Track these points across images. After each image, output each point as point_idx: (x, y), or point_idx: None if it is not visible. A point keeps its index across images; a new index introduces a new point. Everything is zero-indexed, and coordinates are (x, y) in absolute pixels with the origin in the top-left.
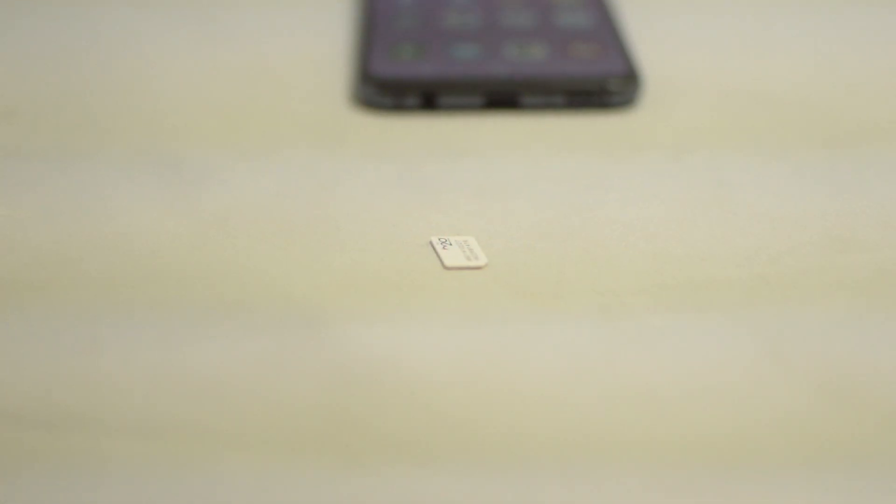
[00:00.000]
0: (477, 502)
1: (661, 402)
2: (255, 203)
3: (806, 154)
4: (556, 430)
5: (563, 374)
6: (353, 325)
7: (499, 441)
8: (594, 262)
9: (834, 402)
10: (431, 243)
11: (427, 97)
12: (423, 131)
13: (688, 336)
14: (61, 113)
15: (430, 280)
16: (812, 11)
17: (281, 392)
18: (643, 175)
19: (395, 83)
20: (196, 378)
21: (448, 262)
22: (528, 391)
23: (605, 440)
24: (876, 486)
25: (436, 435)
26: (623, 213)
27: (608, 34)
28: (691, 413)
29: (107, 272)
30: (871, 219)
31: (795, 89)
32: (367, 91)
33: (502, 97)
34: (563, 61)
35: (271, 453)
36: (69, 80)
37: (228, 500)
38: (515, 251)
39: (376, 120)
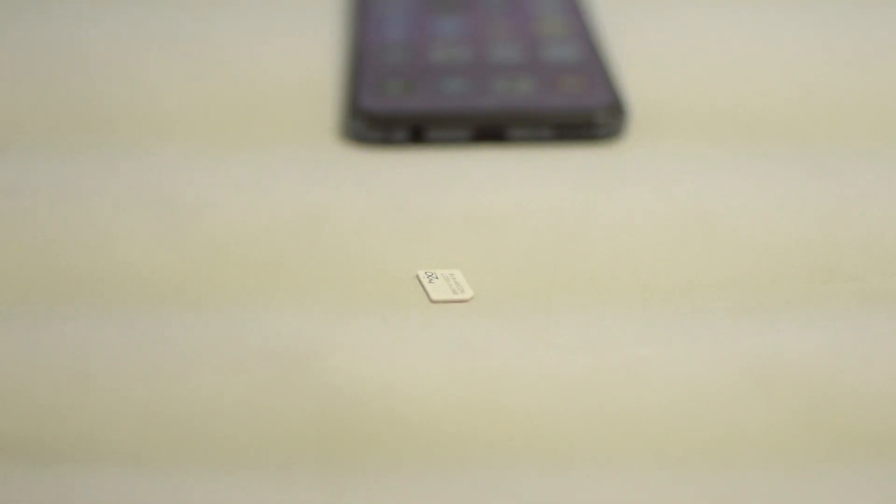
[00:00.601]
0: None
1: (648, 431)
2: (244, 236)
3: (791, 184)
4: (545, 459)
5: (550, 404)
6: (341, 358)
7: (488, 471)
8: (580, 293)
9: (819, 429)
10: (418, 277)
11: (416, 131)
12: (412, 165)
13: (674, 366)
14: (55, 141)
15: (417, 313)
16: (797, 39)
17: (271, 424)
18: (629, 206)
19: (384, 117)
20: (186, 409)
21: (434, 296)
22: (516, 422)
23: (592, 469)
24: None
25: (424, 466)
26: (609, 244)
27: (595, 67)
28: (678, 441)
29: (98, 303)
30: (856, 247)
31: (780, 120)
32: (357, 125)
33: (490, 131)
34: (551, 95)
35: (261, 483)
36: (60, 115)
37: None
38: (502, 284)
39: (365, 154)
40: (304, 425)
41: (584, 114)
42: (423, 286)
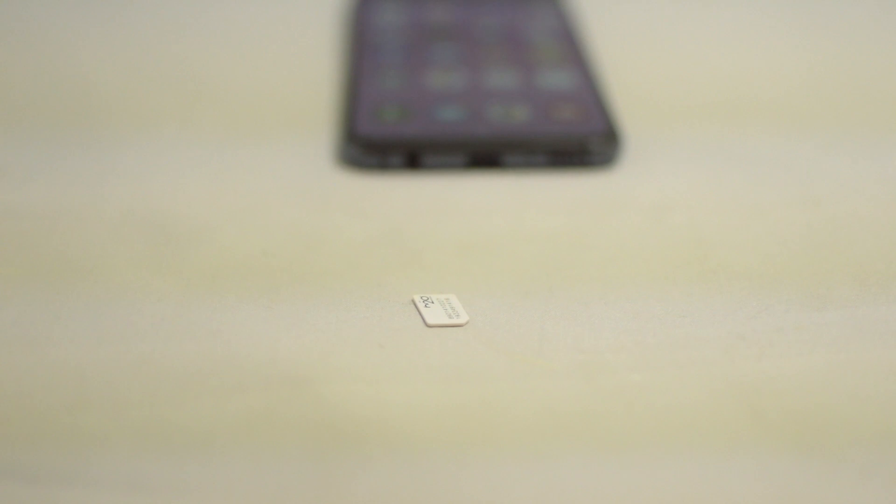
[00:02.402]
0: None
1: (641, 459)
2: (241, 261)
3: (782, 212)
4: (538, 485)
5: (544, 430)
6: (337, 383)
7: (482, 498)
8: (575, 319)
9: (811, 457)
10: (413, 302)
11: (411, 157)
12: (407, 190)
13: (666, 393)
14: (52, 176)
15: (413, 338)
16: (788, 72)
17: (266, 449)
18: (623, 233)
19: (380, 143)
20: (181, 434)
21: (430, 321)
22: (510, 447)
23: (585, 496)
24: None
25: (420, 490)
26: (603, 270)
27: (589, 94)
28: (670, 469)
29: (94, 332)
30: (847, 276)
31: (773, 149)
32: (353, 151)
33: (485, 157)
34: (545, 121)
35: None
36: (57, 137)
37: None
38: (497, 309)
39: (361, 179)
40: (301, 449)
41: (578, 141)
42: (418, 311)
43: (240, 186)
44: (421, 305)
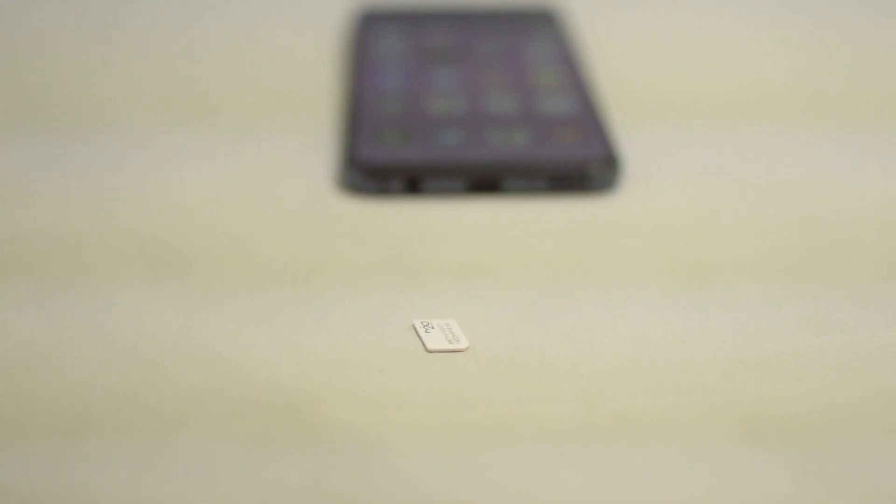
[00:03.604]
0: None
1: (641, 482)
2: (242, 286)
3: (782, 237)
4: None
5: (544, 455)
6: (337, 407)
7: None
8: (574, 345)
9: (811, 482)
10: (414, 327)
11: (412, 182)
12: (408, 215)
13: (666, 417)
14: (53, 203)
15: (413, 363)
16: (791, 99)
17: (267, 473)
18: (623, 258)
19: (380, 168)
20: (184, 458)
21: (430, 346)
22: (511, 472)
23: None
24: None
25: None
26: (603, 296)
27: (589, 119)
28: (672, 494)
29: (96, 358)
30: (845, 301)
31: (772, 173)
32: (353, 175)
33: (485, 181)
34: (545, 146)
35: None
36: (61, 171)
37: None
38: (497, 334)
39: (361, 204)
40: (301, 472)
41: (578, 165)
42: (419, 336)
43: (241, 211)
44: (421, 330)
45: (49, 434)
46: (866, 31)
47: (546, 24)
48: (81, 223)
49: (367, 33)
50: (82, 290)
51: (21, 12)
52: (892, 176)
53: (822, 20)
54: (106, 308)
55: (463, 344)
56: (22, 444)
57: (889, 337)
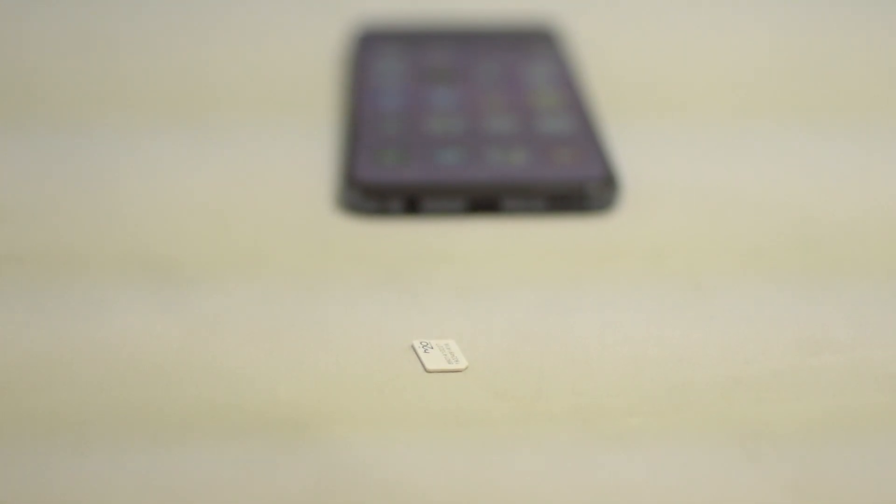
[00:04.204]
0: None
1: (640, 500)
2: (242, 306)
3: (781, 258)
4: None
5: (543, 475)
6: (337, 429)
7: None
8: (573, 364)
9: (809, 501)
10: (413, 347)
11: (410, 202)
12: (407, 235)
13: (664, 437)
14: (53, 219)
15: (412, 383)
16: (787, 117)
17: (267, 495)
18: (621, 278)
19: (380, 188)
20: (183, 481)
21: (429, 366)
22: (510, 491)
23: None
24: None
25: None
26: (601, 315)
27: (588, 139)
28: None
29: (96, 374)
30: (843, 320)
31: (771, 193)
32: (352, 196)
33: (484, 202)
34: (544, 166)
35: None
36: (61, 187)
37: None
38: (496, 354)
39: (361, 224)
40: (300, 494)
41: (577, 186)
42: (418, 356)
43: (241, 229)
44: (420, 351)
45: (48, 450)
46: (865, 50)
47: (545, 44)
48: (84, 239)
49: (366, 53)
50: (82, 307)
51: (23, 13)
52: (889, 190)
53: (817, 34)
54: (106, 324)
55: (462, 364)
56: (21, 459)
57: (887, 356)
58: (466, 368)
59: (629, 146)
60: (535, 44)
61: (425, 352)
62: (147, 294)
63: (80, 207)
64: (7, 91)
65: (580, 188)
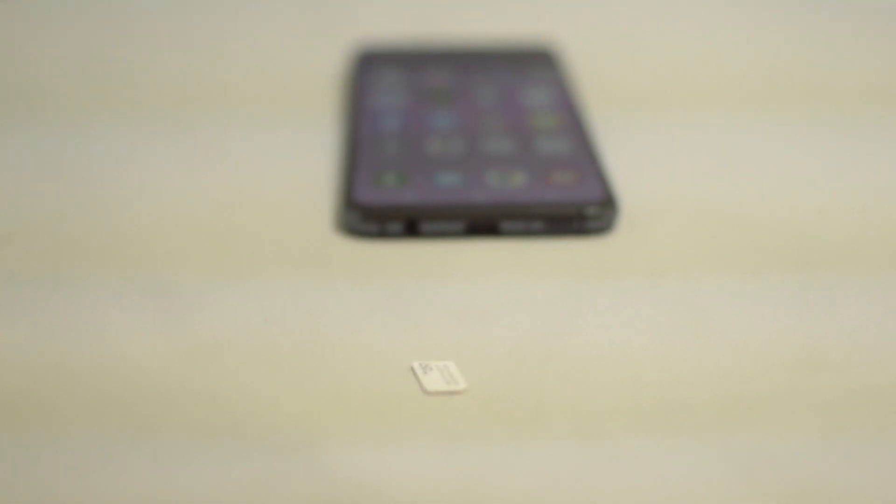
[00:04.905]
0: None
1: None
2: (243, 328)
3: (778, 277)
4: None
5: (542, 496)
6: (337, 450)
7: None
8: (572, 385)
9: None
10: (412, 368)
11: (410, 224)
12: (406, 257)
13: (662, 456)
14: (53, 239)
15: (412, 404)
16: (784, 136)
17: None
18: (620, 299)
19: (379, 211)
20: (186, 500)
21: (428, 387)
22: None
23: None
24: None
25: None
26: (600, 336)
27: (586, 161)
28: None
29: (98, 396)
30: (840, 340)
31: (768, 213)
32: (352, 218)
33: (483, 224)
34: (542, 188)
35: None
36: (60, 207)
37: None
38: (494, 375)
39: (360, 246)
40: None
41: (575, 208)
42: (417, 377)
43: (242, 253)
44: (419, 372)
45: (47, 471)
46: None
47: (544, 65)
48: (84, 259)
49: (365, 74)
50: (81, 325)
51: (24, 14)
52: (887, 210)
53: (815, 55)
54: (111, 348)
55: (461, 385)
56: (21, 481)
57: (883, 376)
58: (465, 390)
59: (627, 168)
60: (534, 64)
61: (424, 373)
62: (147, 313)
63: (80, 228)
64: (7, 91)
65: (579, 210)
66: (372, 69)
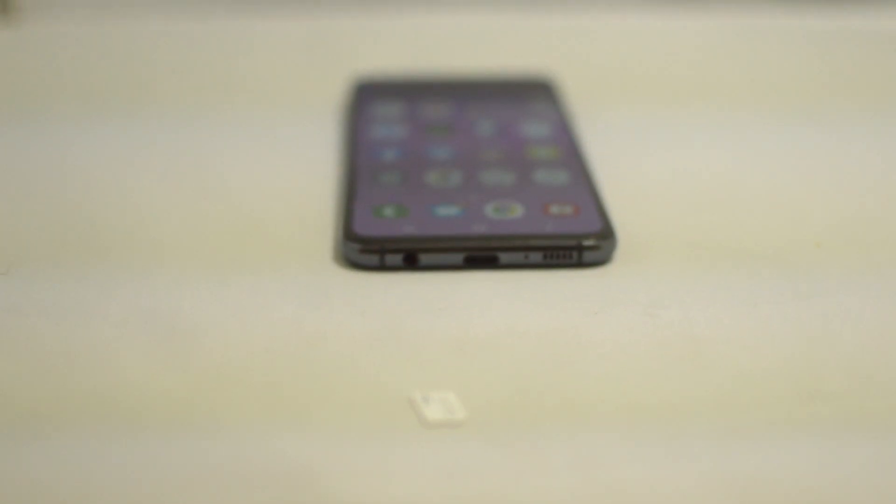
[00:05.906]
0: None
1: None
2: (244, 358)
3: (774, 308)
4: None
5: None
6: (336, 480)
7: None
8: (570, 415)
9: None
10: (412, 399)
11: (409, 256)
12: (405, 289)
13: (661, 487)
14: (56, 269)
15: (411, 435)
16: (782, 167)
17: None
18: (617, 330)
19: (378, 243)
20: None
21: (428, 418)
22: None
23: None
24: None
25: None
26: (598, 367)
27: (584, 193)
28: None
29: (99, 424)
30: (837, 370)
31: (765, 245)
32: (351, 250)
33: (481, 255)
34: (541, 220)
35: None
36: (62, 237)
37: None
38: (494, 406)
39: (360, 277)
40: None
41: (573, 240)
42: (417, 408)
43: (241, 285)
44: (419, 403)
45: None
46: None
47: (542, 96)
48: (85, 295)
49: (364, 106)
50: (85, 364)
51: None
52: (883, 243)
53: (816, 79)
54: (109, 378)
55: (460, 416)
56: None
57: (881, 405)
58: (465, 420)
59: (625, 200)
60: (532, 96)
61: (424, 403)
62: (147, 345)
63: (83, 262)
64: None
65: (577, 242)
66: (370, 99)
